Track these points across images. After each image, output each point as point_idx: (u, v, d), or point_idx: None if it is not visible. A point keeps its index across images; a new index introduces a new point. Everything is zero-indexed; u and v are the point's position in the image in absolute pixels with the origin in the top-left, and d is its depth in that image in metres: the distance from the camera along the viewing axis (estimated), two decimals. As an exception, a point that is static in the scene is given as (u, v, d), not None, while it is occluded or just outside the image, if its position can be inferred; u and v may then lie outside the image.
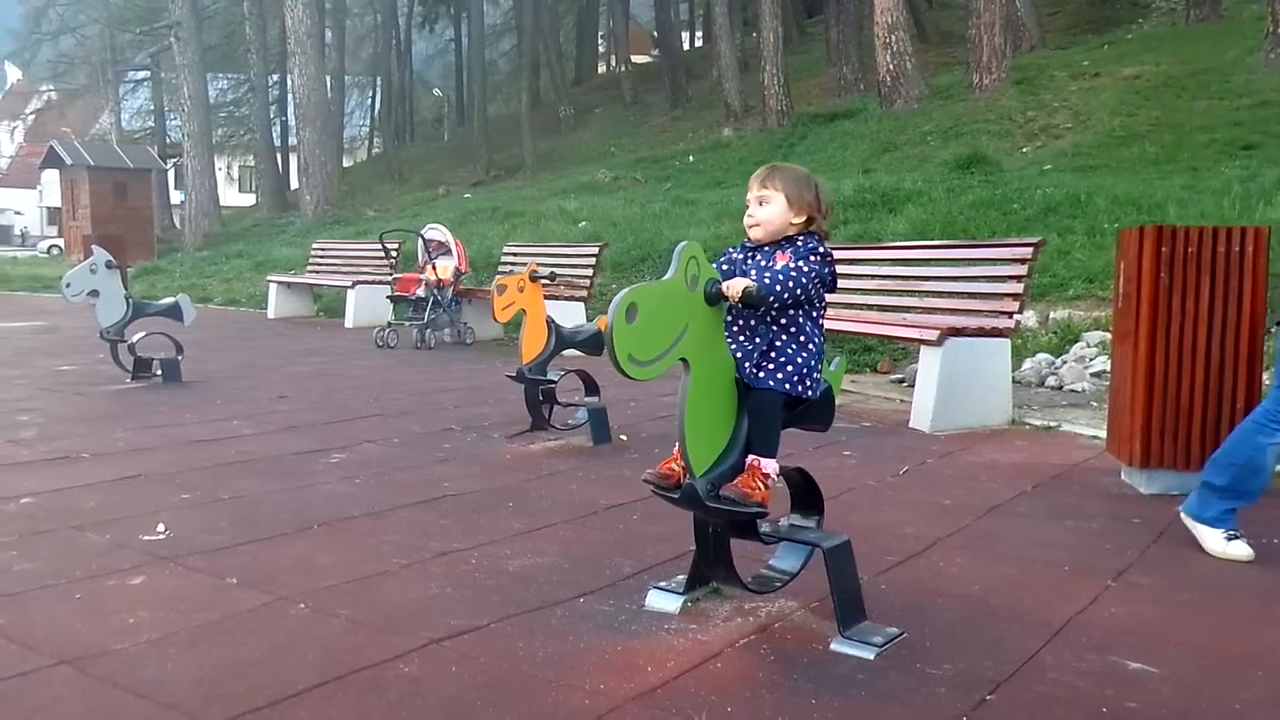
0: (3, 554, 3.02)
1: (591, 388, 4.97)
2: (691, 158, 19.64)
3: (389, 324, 9.19)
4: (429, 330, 8.98)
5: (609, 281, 10.35)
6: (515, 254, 10.03)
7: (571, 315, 8.15)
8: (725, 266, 2.57)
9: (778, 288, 2.38)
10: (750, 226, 2.57)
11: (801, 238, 2.55)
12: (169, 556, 3.02)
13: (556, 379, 4.87)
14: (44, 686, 2.14)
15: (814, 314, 2.53)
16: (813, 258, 2.48)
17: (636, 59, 36.86)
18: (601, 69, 42.61)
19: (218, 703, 2.07)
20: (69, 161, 24.20)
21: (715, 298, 2.28)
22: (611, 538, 3.26)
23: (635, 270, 10.87)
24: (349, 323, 10.84)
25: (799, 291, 2.40)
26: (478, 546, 3.14)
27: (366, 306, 10.63)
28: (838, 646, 2.35)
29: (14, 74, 45.36)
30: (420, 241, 9.50)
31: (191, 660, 2.28)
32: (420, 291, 9.11)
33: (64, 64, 33.02)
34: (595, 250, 9.08)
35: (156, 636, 2.41)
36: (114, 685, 2.15)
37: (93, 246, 7.00)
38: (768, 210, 2.55)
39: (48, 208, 42.62)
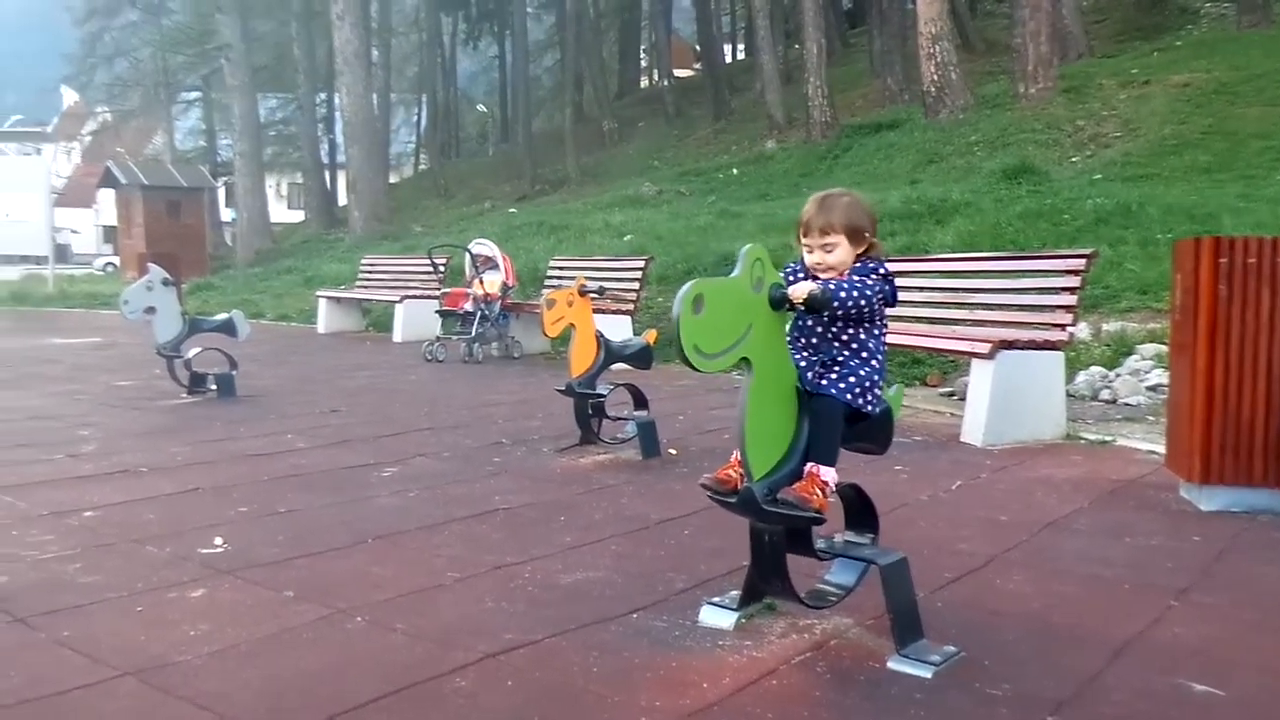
0: (68, 566, 3.09)
1: (640, 401, 4.97)
2: (735, 170, 19.65)
3: (437, 338, 9.28)
4: (477, 344, 9.06)
5: (655, 295, 10.36)
6: (561, 268, 10.08)
7: (618, 329, 8.17)
8: (790, 279, 2.57)
9: (842, 294, 2.38)
10: (821, 270, 2.55)
11: (859, 262, 2.55)
12: (227, 570, 3.06)
13: (606, 393, 4.89)
14: (110, 698, 2.19)
15: (875, 331, 2.53)
16: (873, 276, 2.49)
17: (679, 72, 37.01)
18: (644, 83, 42.81)
19: (278, 715, 2.10)
20: (124, 181, 24.76)
21: (779, 301, 2.28)
22: (663, 552, 3.26)
23: (681, 284, 10.80)
24: (397, 337, 10.96)
25: (863, 302, 2.40)
26: (530, 560, 3.15)
27: (415, 321, 10.75)
28: (895, 665, 2.32)
29: (71, 97, 46.55)
30: (468, 256, 9.59)
31: (252, 672, 2.31)
32: (468, 306, 9.19)
33: (119, 86, 33.81)
34: (641, 264, 9.10)
35: (217, 648, 2.44)
36: (177, 697, 2.18)
37: (149, 265, 7.15)
38: (837, 256, 2.53)
39: (104, 226, 43.69)
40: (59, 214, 22.84)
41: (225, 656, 2.40)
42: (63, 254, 25.30)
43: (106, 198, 32.56)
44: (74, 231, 45.38)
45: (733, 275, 2.22)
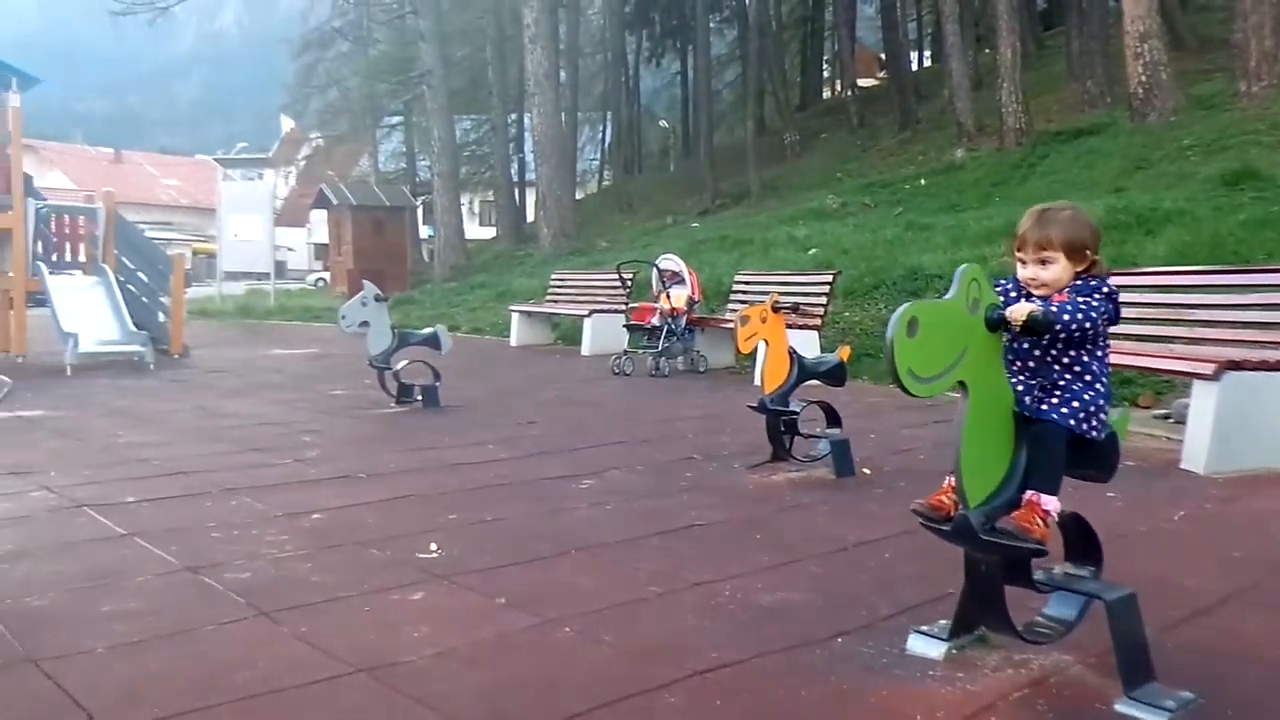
0: (301, 565, 3.33)
1: (833, 419, 4.91)
2: (923, 181, 19.09)
3: (625, 352, 9.47)
4: (663, 358, 9.18)
5: (841, 309, 10.22)
6: (747, 282, 10.08)
7: (805, 344, 8.10)
8: (1000, 298, 2.48)
9: (1065, 316, 2.27)
10: (1034, 287, 2.45)
11: (1080, 280, 2.43)
12: (442, 574, 3.22)
13: (799, 410, 4.86)
14: (348, 692, 2.34)
15: (1099, 352, 2.41)
16: (1097, 296, 2.37)
17: (862, 82, 36.31)
18: (826, 94, 42.30)
19: None
20: (335, 202, 26.49)
21: (997, 323, 2.22)
22: (864, 575, 3.21)
23: (868, 298, 10.68)
24: (586, 350, 11.24)
25: (1086, 324, 2.29)
26: (729, 578, 3.16)
27: (602, 335, 10.99)
28: (1123, 708, 2.20)
29: (288, 124, 50.47)
30: (655, 271, 9.74)
31: (472, 676, 2.43)
32: (655, 320, 9.34)
33: (330, 113, 36.37)
34: (828, 278, 8.99)
35: (439, 650, 2.58)
36: (407, 696, 2.31)
37: (363, 282, 7.63)
38: (1052, 273, 2.42)
39: (315, 244, 46.95)
40: (277, 233, 24.71)
41: (446, 659, 2.53)
42: (279, 270, 27.35)
43: (318, 217, 35.02)
44: (290, 249, 48.87)
45: (948, 296, 2.17)
